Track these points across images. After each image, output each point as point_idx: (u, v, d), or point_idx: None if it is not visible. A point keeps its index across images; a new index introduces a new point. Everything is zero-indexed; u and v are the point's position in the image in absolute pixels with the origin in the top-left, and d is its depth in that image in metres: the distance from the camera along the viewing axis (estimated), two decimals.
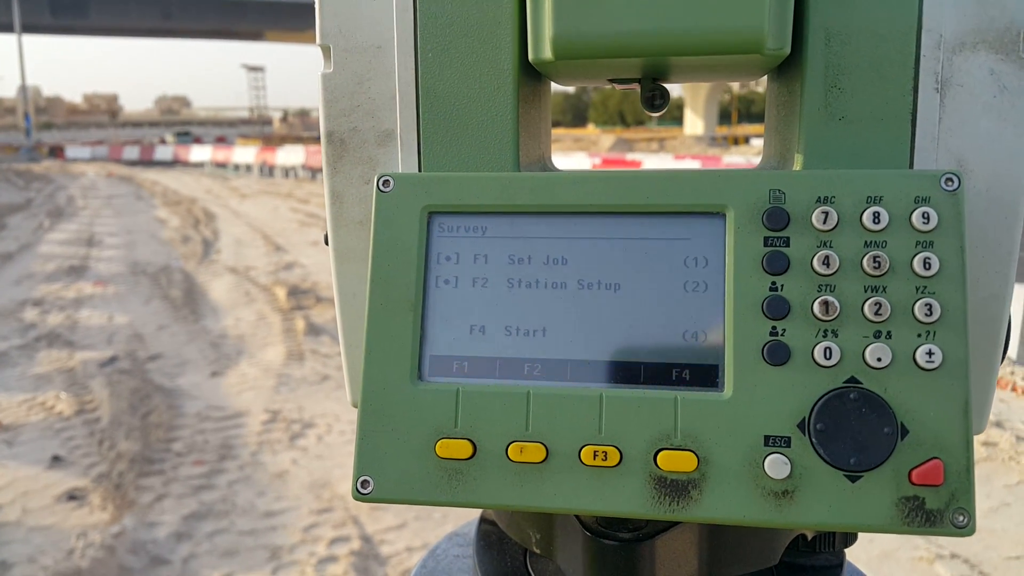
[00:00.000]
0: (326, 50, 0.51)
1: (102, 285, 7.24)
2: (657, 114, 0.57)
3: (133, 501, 3.14)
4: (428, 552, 0.67)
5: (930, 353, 0.41)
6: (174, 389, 4.45)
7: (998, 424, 3.71)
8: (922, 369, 0.41)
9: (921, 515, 0.40)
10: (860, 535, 0.58)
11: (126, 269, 7.99)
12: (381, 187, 0.47)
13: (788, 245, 0.43)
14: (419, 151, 0.51)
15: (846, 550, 0.59)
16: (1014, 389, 4.17)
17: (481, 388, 0.45)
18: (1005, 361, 4.43)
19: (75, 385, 4.50)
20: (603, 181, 0.45)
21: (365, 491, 0.45)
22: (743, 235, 0.43)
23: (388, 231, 0.47)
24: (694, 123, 53.38)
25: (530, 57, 0.48)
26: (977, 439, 3.51)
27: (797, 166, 0.47)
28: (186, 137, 44.57)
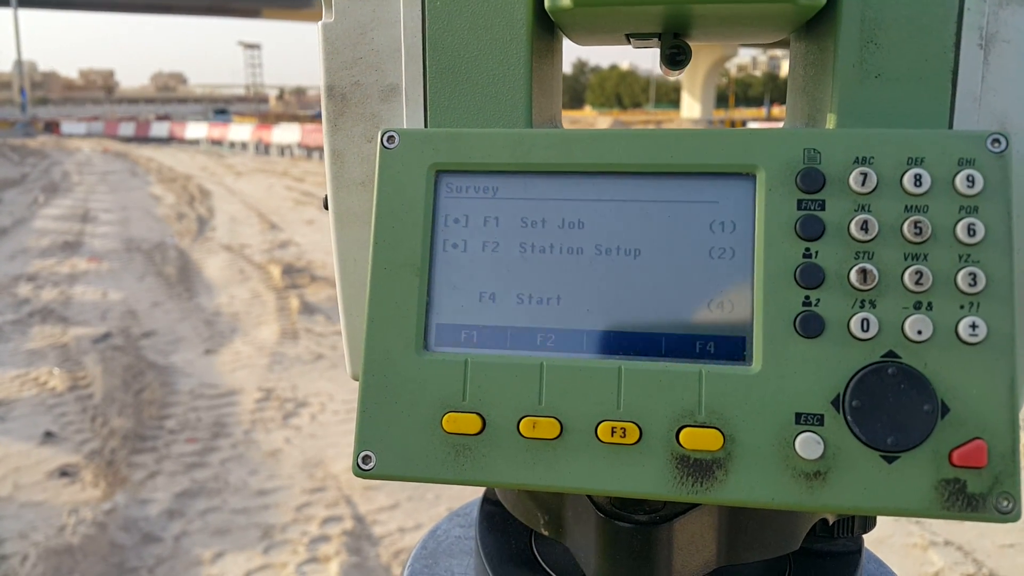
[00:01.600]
0: None
1: (96, 261, 7.20)
2: (678, 72, 0.53)
3: (125, 478, 3.12)
4: (428, 532, 0.65)
5: (974, 326, 0.38)
6: (167, 366, 4.42)
7: None
8: (965, 343, 0.38)
9: (962, 499, 0.37)
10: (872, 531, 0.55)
11: (120, 245, 7.94)
12: (385, 143, 0.44)
13: (823, 209, 0.40)
14: (425, 107, 0.48)
15: (864, 536, 0.56)
16: None
17: (491, 359, 0.42)
18: None
19: (68, 361, 4.47)
20: (624, 139, 0.42)
21: (366, 467, 0.42)
22: (775, 198, 0.40)
23: (392, 191, 0.44)
24: (691, 106, 53.25)
25: (547, 5, 0.45)
26: None
27: (829, 126, 0.44)
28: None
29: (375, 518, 2.87)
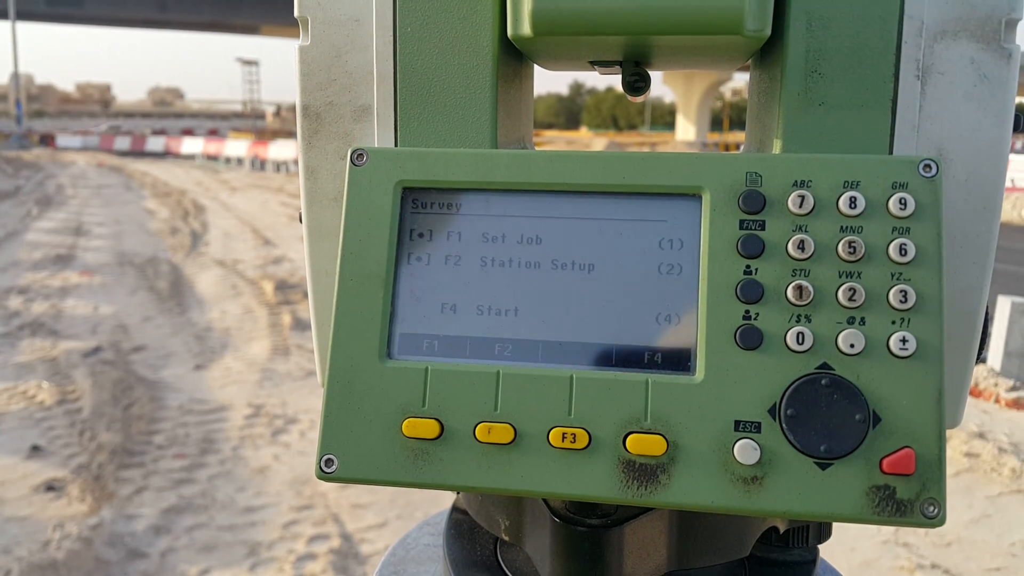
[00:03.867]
0: (303, 22, 0.50)
1: (88, 275, 7.19)
2: (638, 98, 0.56)
3: (112, 493, 3.12)
4: (398, 540, 0.67)
5: (904, 340, 0.40)
6: (157, 381, 4.42)
7: (980, 435, 3.72)
8: (896, 356, 0.40)
9: (891, 505, 0.39)
10: (839, 540, 0.57)
11: (113, 259, 7.94)
12: (355, 161, 0.46)
13: (763, 229, 0.42)
14: (396, 127, 0.50)
15: (820, 546, 0.58)
16: (997, 400, 4.18)
17: (450, 367, 0.44)
18: (988, 373, 4.43)
19: (57, 375, 4.46)
20: (580, 160, 0.45)
21: (329, 470, 0.44)
22: (718, 218, 0.43)
23: (360, 206, 0.46)
24: (686, 129, 53.51)
25: (509, 33, 0.47)
26: (960, 450, 3.52)
27: (776, 151, 0.47)
28: None
29: (363, 536, 2.87)
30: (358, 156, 0.46)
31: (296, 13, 0.51)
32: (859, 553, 2.81)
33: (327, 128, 0.51)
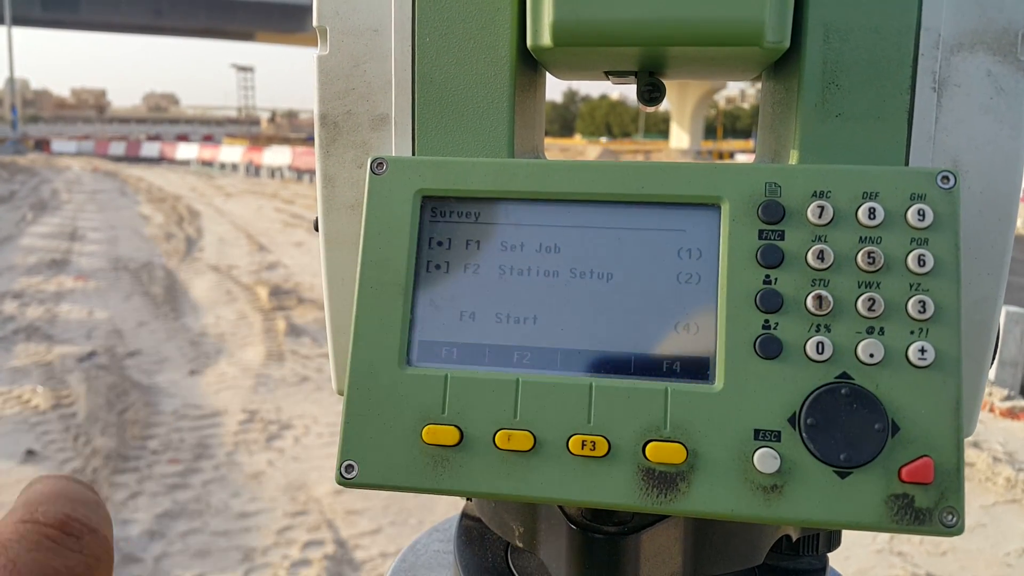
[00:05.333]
0: (322, 31, 0.51)
1: (83, 280, 7.18)
2: (652, 108, 0.56)
3: (106, 498, 3.11)
4: (408, 546, 0.66)
5: (922, 350, 0.40)
6: (151, 386, 4.41)
7: (975, 444, 3.74)
8: (914, 366, 0.40)
9: (910, 513, 0.40)
10: (836, 550, 0.57)
11: (108, 264, 7.93)
12: (375, 170, 0.47)
13: (783, 239, 0.42)
14: (413, 136, 0.50)
15: (829, 554, 0.58)
16: (992, 410, 4.20)
17: (469, 374, 0.44)
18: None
19: (52, 379, 4.45)
20: (599, 170, 0.45)
21: (349, 476, 0.44)
22: (738, 227, 0.43)
23: (380, 214, 0.46)
24: (679, 137, 53.62)
25: (528, 43, 0.47)
26: None
27: (793, 162, 0.47)
28: None
29: (357, 542, 2.87)
30: (378, 165, 0.47)
31: (315, 23, 0.51)
32: (854, 562, 2.82)
33: (345, 137, 0.51)
